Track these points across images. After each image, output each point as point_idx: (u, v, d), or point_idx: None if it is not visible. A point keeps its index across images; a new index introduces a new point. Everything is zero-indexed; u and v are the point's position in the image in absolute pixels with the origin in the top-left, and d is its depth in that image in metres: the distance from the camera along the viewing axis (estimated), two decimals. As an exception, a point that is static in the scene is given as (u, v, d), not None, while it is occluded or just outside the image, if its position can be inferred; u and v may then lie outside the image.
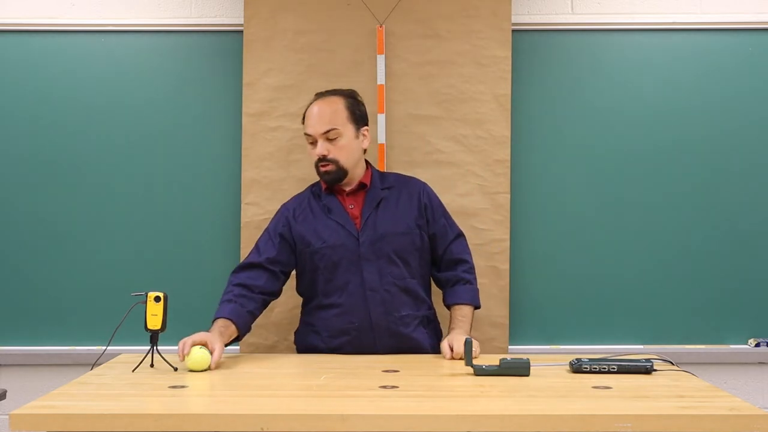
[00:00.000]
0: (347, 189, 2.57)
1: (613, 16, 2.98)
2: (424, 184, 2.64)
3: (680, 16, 2.98)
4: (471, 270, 2.61)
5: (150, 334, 2.18)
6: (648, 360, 2.17)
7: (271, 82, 2.92)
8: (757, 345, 2.96)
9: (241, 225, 2.92)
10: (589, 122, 2.97)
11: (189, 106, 2.98)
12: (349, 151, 2.52)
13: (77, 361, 2.88)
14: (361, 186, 2.57)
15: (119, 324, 2.28)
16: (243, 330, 2.44)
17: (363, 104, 2.60)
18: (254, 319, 2.49)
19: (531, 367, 2.11)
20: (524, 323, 2.74)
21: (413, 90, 2.92)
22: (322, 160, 2.49)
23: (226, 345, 2.33)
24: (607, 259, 2.96)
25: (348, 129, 2.52)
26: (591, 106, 2.98)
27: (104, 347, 2.38)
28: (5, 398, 2.76)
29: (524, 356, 2.16)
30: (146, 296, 2.17)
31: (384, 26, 2.92)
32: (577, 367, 2.15)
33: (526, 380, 2.05)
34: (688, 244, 2.96)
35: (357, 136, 2.55)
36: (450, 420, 1.71)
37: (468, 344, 2.11)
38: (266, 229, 2.60)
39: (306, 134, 2.54)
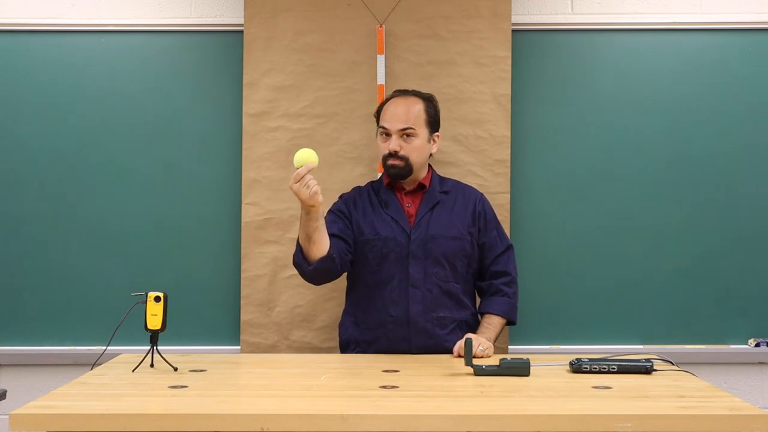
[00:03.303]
0: (407, 188, 2.62)
1: (613, 16, 2.98)
2: (481, 194, 2.68)
3: (680, 16, 2.98)
4: (511, 283, 2.61)
5: (150, 334, 2.18)
6: (648, 360, 2.17)
7: (271, 82, 2.92)
8: (757, 345, 2.96)
9: (242, 225, 2.92)
10: (589, 122, 2.97)
11: (189, 106, 2.98)
12: (420, 152, 2.58)
13: (77, 361, 2.88)
14: (421, 187, 2.62)
15: (119, 324, 2.28)
16: (333, 246, 2.41)
17: (439, 110, 2.65)
18: (334, 249, 2.42)
19: (531, 367, 2.11)
20: (524, 323, 2.74)
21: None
22: (393, 155, 2.54)
23: (317, 224, 2.34)
24: (607, 259, 2.96)
25: (423, 131, 2.58)
26: (591, 106, 2.98)
27: (104, 347, 2.38)
28: (5, 398, 2.76)
29: (524, 356, 2.16)
30: (146, 296, 2.17)
31: (384, 26, 2.91)
32: (577, 367, 2.15)
33: (526, 380, 2.06)
34: (688, 244, 2.96)
35: (429, 140, 2.61)
36: (450, 420, 1.71)
37: (468, 344, 2.11)
38: (327, 213, 2.60)
39: (381, 127, 2.59)
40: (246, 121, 2.92)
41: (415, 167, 2.57)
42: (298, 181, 2.26)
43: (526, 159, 2.96)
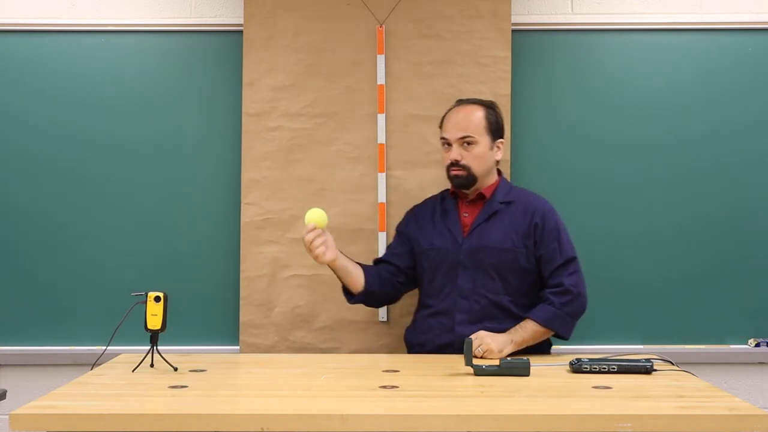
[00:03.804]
0: (469, 197, 2.61)
1: (613, 16, 2.98)
2: (545, 205, 2.59)
3: (680, 16, 2.98)
4: (561, 294, 2.48)
5: (150, 334, 2.18)
6: (648, 360, 2.17)
7: (271, 82, 2.92)
8: (757, 345, 2.96)
9: (241, 225, 2.92)
10: (589, 122, 2.97)
11: (189, 106, 2.98)
12: (482, 160, 2.56)
13: (77, 361, 2.88)
14: (482, 196, 2.60)
15: (119, 324, 2.28)
16: (368, 277, 2.57)
17: (501, 117, 2.62)
18: (373, 281, 2.58)
19: (531, 367, 2.11)
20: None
21: (413, 90, 2.92)
22: (455, 164, 2.55)
23: (341, 270, 2.53)
24: (608, 259, 2.96)
25: (484, 139, 2.56)
26: (591, 106, 2.98)
27: (104, 347, 2.38)
28: (5, 398, 2.76)
29: (524, 356, 2.16)
30: (146, 296, 2.17)
31: (384, 26, 2.92)
32: (577, 367, 2.15)
33: (526, 380, 2.06)
34: (688, 243, 2.96)
35: (491, 148, 2.58)
36: (450, 420, 1.71)
37: (468, 344, 2.11)
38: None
39: (442, 138, 2.60)
40: (246, 121, 2.92)
41: (478, 176, 2.55)
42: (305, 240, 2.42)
43: (526, 159, 2.96)
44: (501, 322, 2.50)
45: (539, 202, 2.60)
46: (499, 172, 2.67)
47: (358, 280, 2.55)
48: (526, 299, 2.55)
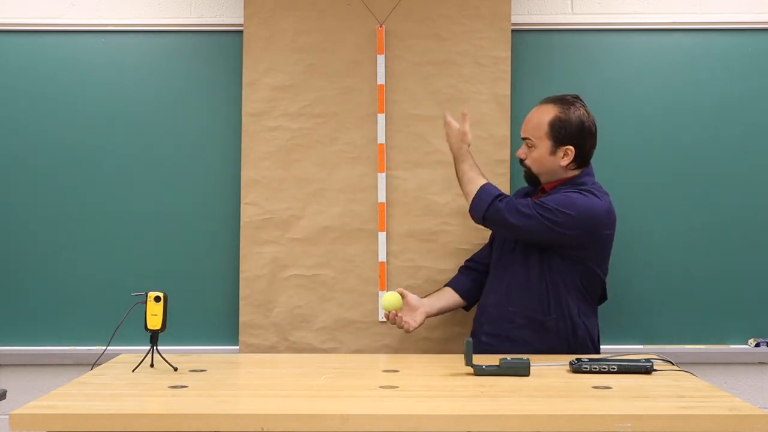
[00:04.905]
0: (539, 190, 2.65)
1: (613, 16, 2.98)
2: (572, 190, 2.48)
3: (680, 16, 2.98)
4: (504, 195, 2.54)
5: (150, 334, 2.18)
6: (648, 360, 2.17)
7: (271, 82, 2.92)
8: (757, 345, 2.96)
9: (241, 225, 2.91)
10: (589, 122, 2.97)
11: (189, 106, 2.98)
12: (540, 163, 2.56)
13: (77, 361, 2.88)
14: (544, 191, 2.61)
15: (119, 324, 2.28)
16: (460, 290, 2.72)
17: (576, 123, 2.50)
18: (465, 288, 2.74)
19: (531, 367, 2.11)
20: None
21: (413, 90, 2.92)
22: (521, 162, 2.62)
23: (441, 312, 2.70)
24: (607, 259, 2.96)
25: (543, 143, 2.53)
26: (590, 106, 2.97)
27: (104, 347, 2.38)
28: (5, 398, 2.76)
29: (524, 356, 2.16)
30: (146, 296, 2.17)
31: (384, 26, 2.92)
32: (577, 367, 2.15)
33: (526, 380, 2.06)
34: (688, 244, 2.96)
35: (553, 153, 2.53)
36: (450, 420, 1.71)
37: (468, 344, 2.11)
38: None
39: None
40: (245, 121, 2.92)
41: (540, 177, 2.58)
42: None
43: (526, 159, 2.96)
44: (526, 307, 2.52)
45: (560, 189, 2.52)
46: (584, 172, 2.56)
47: (456, 302, 2.72)
48: (560, 285, 2.52)
